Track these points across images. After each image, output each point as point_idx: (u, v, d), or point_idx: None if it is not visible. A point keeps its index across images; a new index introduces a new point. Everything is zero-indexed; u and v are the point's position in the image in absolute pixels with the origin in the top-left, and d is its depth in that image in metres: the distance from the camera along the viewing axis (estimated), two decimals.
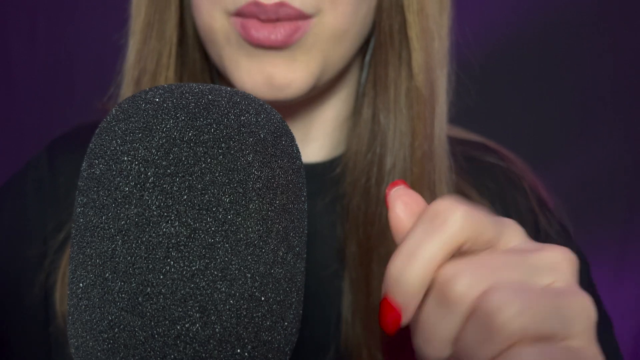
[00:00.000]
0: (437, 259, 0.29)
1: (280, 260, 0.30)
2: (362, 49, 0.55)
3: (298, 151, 0.33)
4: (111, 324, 0.29)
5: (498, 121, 0.56)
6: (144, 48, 0.53)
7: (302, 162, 0.33)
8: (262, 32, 0.46)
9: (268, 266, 0.30)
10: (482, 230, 0.30)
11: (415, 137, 0.53)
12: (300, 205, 0.32)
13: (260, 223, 0.30)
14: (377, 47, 0.54)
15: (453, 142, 0.57)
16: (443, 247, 0.29)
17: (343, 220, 0.55)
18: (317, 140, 0.57)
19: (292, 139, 0.33)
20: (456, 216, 0.29)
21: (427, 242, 0.29)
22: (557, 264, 0.30)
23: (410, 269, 0.29)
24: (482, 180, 0.58)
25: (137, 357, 0.29)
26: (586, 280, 0.57)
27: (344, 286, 0.54)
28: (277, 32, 0.46)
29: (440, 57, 0.54)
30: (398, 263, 0.30)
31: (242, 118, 0.31)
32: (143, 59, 0.53)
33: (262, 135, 0.31)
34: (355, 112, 0.57)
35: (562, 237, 0.57)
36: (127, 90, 0.54)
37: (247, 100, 0.32)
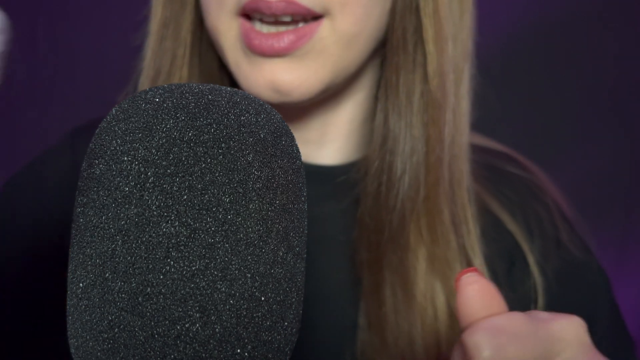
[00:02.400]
0: None
1: (280, 260, 0.30)
2: (380, 51, 0.54)
3: (298, 151, 0.33)
4: (111, 324, 0.29)
5: (497, 121, 0.55)
6: (159, 48, 0.53)
7: (302, 162, 0.33)
8: (266, 41, 0.46)
9: (268, 266, 0.30)
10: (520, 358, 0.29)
11: (429, 143, 0.51)
12: (301, 205, 0.32)
13: (260, 223, 0.30)
14: (390, 50, 0.52)
15: (475, 149, 0.56)
16: None
17: (356, 226, 0.54)
18: (333, 142, 0.56)
19: (292, 139, 0.33)
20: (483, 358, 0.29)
21: None
22: None
23: None
24: (503, 190, 0.57)
25: (137, 357, 0.29)
26: (609, 298, 0.56)
27: (358, 293, 0.53)
28: (280, 41, 0.46)
29: (458, 60, 0.52)
30: None
31: (242, 118, 0.31)
32: (159, 59, 0.54)
33: (262, 135, 0.31)
34: (370, 116, 0.56)
35: (583, 254, 0.57)
36: (143, 89, 0.54)
37: (247, 100, 0.32)
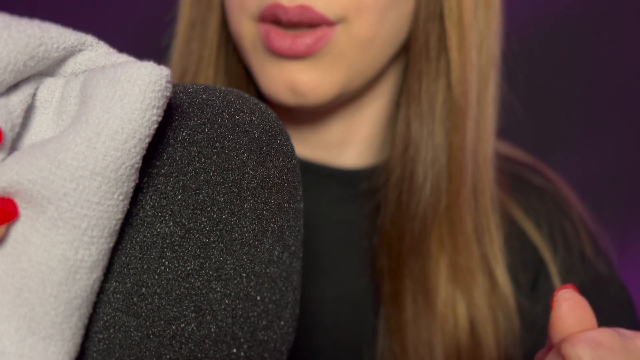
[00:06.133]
0: None
1: (275, 259, 0.30)
2: (402, 57, 0.54)
3: (293, 150, 0.33)
4: (106, 324, 0.29)
5: (497, 121, 0.55)
6: (186, 49, 0.54)
7: (297, 161, 0.33)
8: (284, 42, 0.46)
9: (263, 265, 0.30)
10: None
11: (451, 151, 0.51)
12: (296, 205, 0.32)
13: (255, 222, 0.30)
14: (412, 57, 0.52)
15: (500, 158, 0.56)
16: None
17: (377, 233, 0.54)
18: (354, 146, 0.55)
19: (287, 138, 0.33)
20: None
21: None
22: None
23: None
24: (529, 200, 0.57)
25: (132, 358, 0.29)
26: (632, 316, 0.56)
27: (379, 298, 0.53)
28: (298, 43, 0.46)
29: (483, 67, 0.52)
30: None
31: (236, 117, 0.31)
32: (185, 59, 0.54)
33: (256, 135, 0.31)
34: (391, 121, 0.56)
35: (607, 270, 0.56)
36: None
37: (242, 100, 0.32)
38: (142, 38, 0.58)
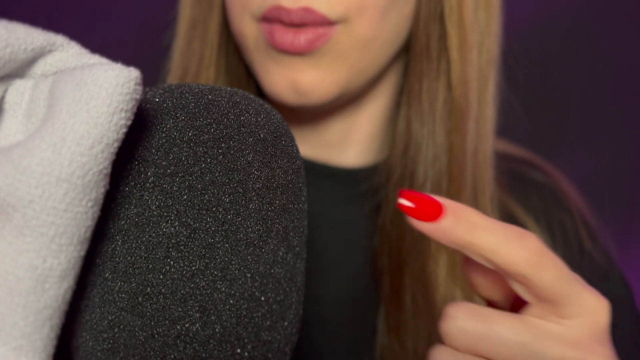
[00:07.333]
0: None
1: (280, 260, 0.30)
2: (403, 57, 0.54)
3: (298, 151, 0.33)
4: (111, 323, 0.29)
5: (497, 121, 0.55)
6: (187, 49, 0.54)
7: (302, 162, 0.33)
8: (286, 37, 0.46)
9: (268, 266, 0.30)
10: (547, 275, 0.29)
11: (452, 151, 0.51)
12: (300, 206, 0.32)
13: (260, 223, 0.30)
14: (413, 57, 0.52)
15: (499, 156, 0.56)
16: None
17: (378, 233, 0.54)
18: (355, 145, 0.56)
19: (292, 139, 0.33)
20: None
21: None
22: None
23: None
24: (527, 196, 0.57)
25: (137, 357, 0.29)
26: (631, 309, 0.56)
27: (378, 297, 0.53)
28: (299, 38, 0.46)
29: (483, 67, 0.52)
30: None
31: (242, 118, 0.31)
32: (186, 59, 0.54)
33: (262, 135, 0.31)
34: (392, 120, 0.56)
35: (606, 264, 0.56)
36: None
37: (247, 100, 0.32)
38: (142, 38, 0.58)
